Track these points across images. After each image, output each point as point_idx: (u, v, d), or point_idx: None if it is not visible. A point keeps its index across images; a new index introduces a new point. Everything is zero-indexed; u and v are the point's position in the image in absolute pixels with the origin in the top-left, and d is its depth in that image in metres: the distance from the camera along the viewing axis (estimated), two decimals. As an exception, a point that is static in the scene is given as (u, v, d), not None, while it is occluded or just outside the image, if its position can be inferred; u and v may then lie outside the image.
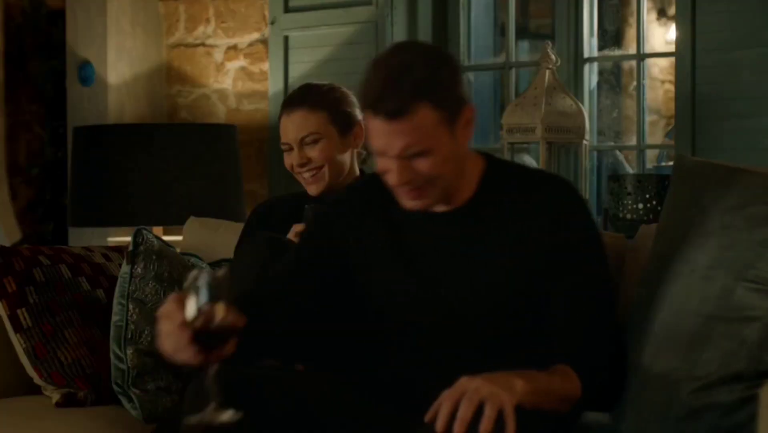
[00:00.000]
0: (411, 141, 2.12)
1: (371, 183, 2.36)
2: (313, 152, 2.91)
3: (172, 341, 1.89)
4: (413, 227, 2.28)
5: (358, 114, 2.97)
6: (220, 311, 1.82)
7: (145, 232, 2.86)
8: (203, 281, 1.82)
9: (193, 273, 1.84)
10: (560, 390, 2.12)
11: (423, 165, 2.14)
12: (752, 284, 2.18)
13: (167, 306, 1.91)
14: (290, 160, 2.95)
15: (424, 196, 2.19)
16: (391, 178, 2.17)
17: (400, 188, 2.19)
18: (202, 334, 1.83)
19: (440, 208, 2.26)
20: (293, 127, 2.92)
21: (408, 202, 2.21)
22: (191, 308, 1.83)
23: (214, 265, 3.10)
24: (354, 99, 2.98)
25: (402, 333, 2.28)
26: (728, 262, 2.21)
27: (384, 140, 2.14)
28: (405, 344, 2.27)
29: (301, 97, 2.94)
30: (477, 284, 2.22)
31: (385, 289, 2.29)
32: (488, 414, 1.92)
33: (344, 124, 2.94)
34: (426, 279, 2.25)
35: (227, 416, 1.84)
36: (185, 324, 1.85)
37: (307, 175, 2.93)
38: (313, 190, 2.95)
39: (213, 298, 1.83)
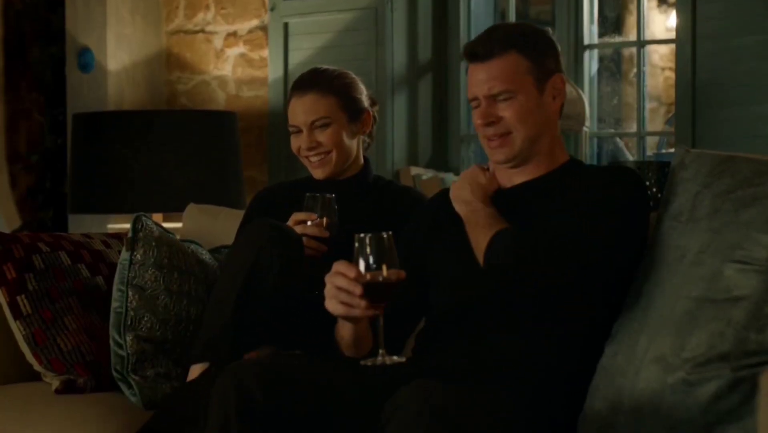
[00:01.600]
0: (497, 81, 2.39)
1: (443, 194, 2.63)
2: (323, 137, 2.91)
3: (344, 296, 2.12)
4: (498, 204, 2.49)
5: (366, 101, 2.97)
6: (385, 267, 2.09)
7: (144, 218, 2.86)
8: (370, 244, 2.09)
9: (361, 236, 2.09)
10: (484, 231, 2.36)
11: (507, 110, 2.40)
12: (739, 265, 2.19)
13: (338, 266, 2.13)
14: (298, 143, 2.94)
15: (507, 144, 2.42)
16: (479, 122, 2.43)
17: (487, 134, 2.43)
18: (371, 288, 2.09)
19: (517, 179, 2.48)
20: (304, 110, 2.92)
21: (494, 153, 2.45)
22: (362, 266, 2.10)
23: (214, 252, 3.10)
24: (363, 86, 2.99)
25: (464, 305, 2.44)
26: (716, 245, 2.23)
27: (475, 83, 2.42)
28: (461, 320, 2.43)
29: (312, 80, 2.93)
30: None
31: (456, 262, 2.47)
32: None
33: (353, 111, 2.94)
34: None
35: (396, 358, 2.16)
36: (358, 279, 2.09)
37: (314, 159, 2.93)
38: (318, 174, 2.95)
39: (378, 258, 2.09)
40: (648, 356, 2.25)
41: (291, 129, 2.96)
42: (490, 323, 2.38)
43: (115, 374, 2.77)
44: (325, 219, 2.77)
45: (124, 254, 2.83)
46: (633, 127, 4.98)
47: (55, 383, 2.81)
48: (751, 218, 2.21)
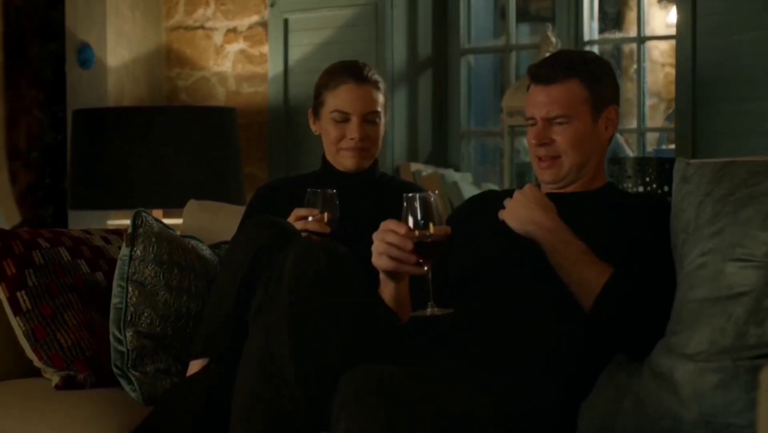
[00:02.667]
0: (556, 105, 2.49)
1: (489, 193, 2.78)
2: (372, 130, 2.93)
3: (395, 252, 2.24)
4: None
5: None
6: (432, 225, 2.22)
7: (144, 214, 2.86)
8: (418, 203, 2.21)
9: (409, 196, 2.22)
10: (587, 270, 2.36)
11: (561, 134, 2.50)
12: (740, 262, 2.22)
13: (387, 224, 2.25)
14: (343, 131, 2.93)
15: (556, 167, 2.52)
16: (533, 142, 2.53)
17: (538, 154, 2.53)
18: (420, 244, 2.22)
19: (559, 189, 2.56)
20: (361, 98, 2.91)
21: (543, 173, 2.55)
22: (411, 223, 2.22)
23: (214, 248, 3.10)
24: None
25: (484, 292, 2.47)
26: (718, 246, 2.26)
27: (534, 104, 2.52)
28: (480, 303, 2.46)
29: (366, 74, 2.94)
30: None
31: (485, 253, 2.53)
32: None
33: (387, 113, 2.99)
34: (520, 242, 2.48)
35: (444, 310, 2.28)
36: (408, 234, 2.21)
37: (355, 149, 2.93)
38: (352, 164, 2.95)
39: (425, 216, 2.22)
40: (652, 353, 2.30)
41: (338, 115, 2.93)
42: (505, 320, 2.40)
43: (115, 369, 2.77)
44: (326, 214, 2.77)
45: (124, 250, 2.82)
46: (633, 124, 4.98)
47: (55, 378, 2.81)
48: (749, 217, 2.25)
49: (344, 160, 2.96)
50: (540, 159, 2.55)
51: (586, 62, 2.56)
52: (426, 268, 2.26)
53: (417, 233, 2.22)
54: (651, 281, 2.35)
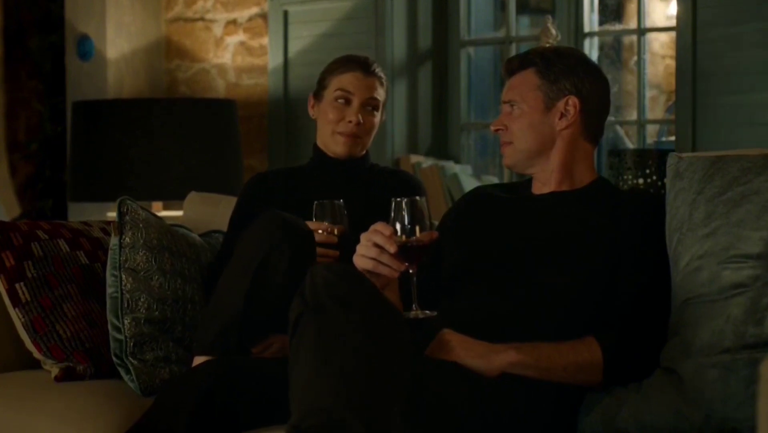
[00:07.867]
0: (511, 91, 2.56)
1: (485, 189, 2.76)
2: (370, 118, 3.00)
3: (385, 258, 2.27)
4: (516, 206, 2.60)
5: None
6: (419, 229, 2.27)
7: (129, 201, 2.85)
8: (406, 208, 2.27)
9: (397, 200, 2.28)
10: (567, 362, 2.31)
11: (511, 117, 2.54)
12: (734, 264, 2.24)
13: (376, 226, 2.29)
14: (343, 113, 2.99)
15: (506, 152, 2.57)
16: (492, 128, 2.61)
17: (499, 136, 2.60)
18: (405, 247, 2.27)
19: (545, 189, 2.56)
20: (366, 86, 2.99)
21: (504, 156, 2.60)
22: (398, 226, 2.27)
23: (204, 236, 3.10)
24: None
25: (472, 285, 2.48)
26: (712, 249, 2.28)
27: (503, 91, 2.59)
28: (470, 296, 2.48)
29: (374, 67, 3.03)
30: (558, 250, 2.45)
31: (479, 248, 2.55)
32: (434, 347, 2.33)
33: (384, 106, 3.05)
34: (515, 240, 2.51)
35: (428, 313, 2.32)
36: (393, 236, 2.26)
37: (350, 134, 2.98)
38: (343, 150, 3.00)
39: (412, 220, 2.27)
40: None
41: (341, 95, 2.99)
42: (503, 318, 2.40)
43: (114, 359, 2.77)
44: (337, 228, 2.79)
45: (113, 240, 2.82)
46: (633, 115, 4.98)
47: (55, 370, 2.81)
48: (741, 217, 2.26)
49: (336, 146, 3.00)
50: (501, 144, 2.61)
51: (545, 53, 2.57)
52: (411, 271, 2.28)
53: (403, 237, 2.26)
54: (639, 309, 2.36)
